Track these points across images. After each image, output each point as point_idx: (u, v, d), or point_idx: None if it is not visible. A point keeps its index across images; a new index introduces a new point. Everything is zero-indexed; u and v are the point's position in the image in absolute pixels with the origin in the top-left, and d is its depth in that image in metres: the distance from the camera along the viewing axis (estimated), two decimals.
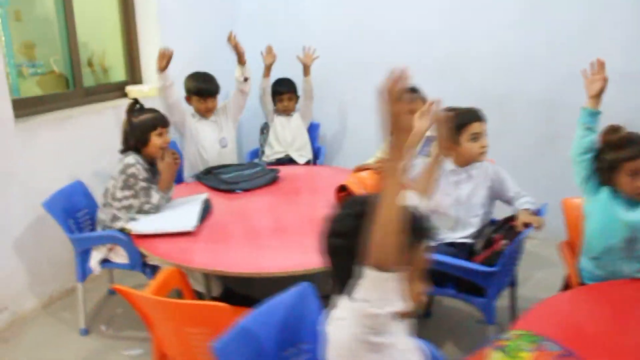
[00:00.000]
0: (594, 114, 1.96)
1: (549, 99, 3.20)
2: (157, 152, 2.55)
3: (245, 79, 3.19)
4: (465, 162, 2.35)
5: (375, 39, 3.69)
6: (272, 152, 3.57)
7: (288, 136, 3.57)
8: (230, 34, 3.13)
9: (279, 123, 3.59)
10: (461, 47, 3.44)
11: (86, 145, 3.03)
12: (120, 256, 2.53)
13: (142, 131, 2.50)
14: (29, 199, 2.73)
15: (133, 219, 2.43)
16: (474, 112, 2.32)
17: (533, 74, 3.24)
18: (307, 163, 3.60)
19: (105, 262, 2.55)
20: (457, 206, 2.37)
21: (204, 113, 3.17)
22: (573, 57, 2.80)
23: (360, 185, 2.48)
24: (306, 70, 3.52)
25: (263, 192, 2.83)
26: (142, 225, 2.33)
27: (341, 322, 1.20)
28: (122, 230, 2.43)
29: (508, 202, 2.38)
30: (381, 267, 1.04)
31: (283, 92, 3.55)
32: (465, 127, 2.28)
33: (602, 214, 1.96)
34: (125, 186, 2.44)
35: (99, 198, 2.78)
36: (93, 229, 2.70)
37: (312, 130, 3.73)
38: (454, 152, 2.32)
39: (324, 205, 2.55)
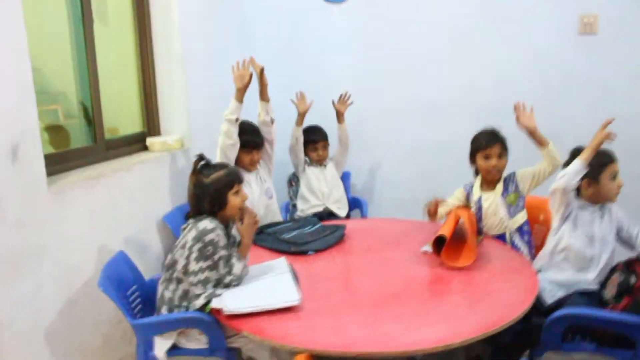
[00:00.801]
0: None
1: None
2: (236, 213, 2.20)
3: (272, 120, 2.91)
4: (598, 199, 2.31)
5: (406, 85, 3.57)
6: (308, 206, 3.27)
7: (324, 188, 3.29)
8: (251, 59, 2.81)
9: (313, 174, 3.31)
10: (500, 89, 3.37)
11: (118, 208, 2.59)
12: (194, 340, 2.11)
13: (217, 191, 2.15)
14: (60, 278, 2.25)
15: (215, 295, 2.04)
16: (611, 152, 2.29)
17: (580, 115, 3.18)
18: (347, 217, 3.34)
19: (172, 348, 2.12)
20: (591, 244, 2.27)
21: (248, 166, 2.85)
22: None
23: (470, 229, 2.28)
24: (340, 117, 3.31)
25: (337, 251, 2.53)
26: (233, 302, 1.94)
27: None
28: (202, 310, 2.04)
29: (631, 238, 2.30)
30: None
31: (317, 140, 3.30)
32: (608, 165, 2.25)
33: None
34: (202, 256, 2.05)
35: (144, 270, 2.39)
36: (144, 310, 2.27)
37: (344, 180, 3.48)
38: (591, 189, 2.29)
39: (420, 264, 2.34)
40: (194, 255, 2.05)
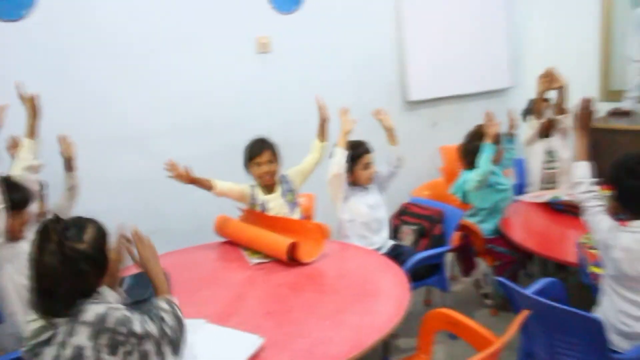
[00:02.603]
0: None
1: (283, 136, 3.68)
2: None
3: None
4: (358, 183, 2.93)
5: (105, 113, 3.20)
6: None
7: None
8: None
9: None
10: (206, 107, 3.52)
11: None
12: None
13: (101, 252, 1.59)
14: None
15: None
16: (365, 144, 2.91)
17: (260, 119, 3.63)
18: None
19: None
20: (374, 210, 2.90)
21: (18, 233, 2.15)
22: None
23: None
24: (70, 164, 2.68)
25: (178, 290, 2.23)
26: None
27: None
28: None
29: (388, 177, 3.01)
30: None
31: None
32: (361, 157, 2.88)
33: None
34: (115, 346, 1.48)
35: None
36: None
37: None
38: (350, 178, 2.90)
39: (274, 272, 2.41)
40: (104, 354, 1.47)
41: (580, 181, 2.12)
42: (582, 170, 2.14)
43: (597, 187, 2.11)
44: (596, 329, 1.83)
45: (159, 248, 2.89)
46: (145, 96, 3.32)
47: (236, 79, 3.56)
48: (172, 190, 3.29)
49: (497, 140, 3.05)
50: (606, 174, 2.03)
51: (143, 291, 2.15)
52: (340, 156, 2.77)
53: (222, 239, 2.86)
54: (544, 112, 3.35)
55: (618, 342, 1.96)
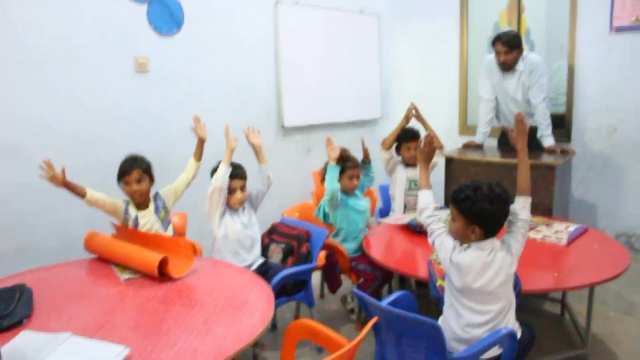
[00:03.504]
0: None
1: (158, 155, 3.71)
2: None
3: None
4: (229, 204, 3.07)
5: None
6: None
7: None
8: None
9: None
10: (81, 122, 3.49)
11: None
12: None
13: None
14: None
15: None
16: (237, 169, 3.06)
17: (142, 138, 3.68)
18: None
19: None
20: (247, 228, 3.07)
21: None
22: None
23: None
24: None
25: (45, 308, 2.23)
26: None
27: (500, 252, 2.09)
28: None
29: (259, 196, 3.21)
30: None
31: None
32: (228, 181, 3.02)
33: None
34: None
35: None
36: None
37: None
38: None
39: (147, 287, 2.47)
40: None
41: (424, 207, 2.42)
42: (426, 197, 2.43)
43: (439, 212, 2.40)
44: (436, 333, 2.10)
45: (26, 265, 2.87)
46: (19, 108, 3.24)
47: (112, 96, 3.57)
48: (40, 205, 3.25)
49: (352, 163, 3.43)
50: (459, 200, 2.24)
51: (4, 306, 2.13)
52: (223, 172, 2.91)
53: (92, 256, 2.85)
54: (391, 144, 3.81)
55: (456, 346, 2.26)
